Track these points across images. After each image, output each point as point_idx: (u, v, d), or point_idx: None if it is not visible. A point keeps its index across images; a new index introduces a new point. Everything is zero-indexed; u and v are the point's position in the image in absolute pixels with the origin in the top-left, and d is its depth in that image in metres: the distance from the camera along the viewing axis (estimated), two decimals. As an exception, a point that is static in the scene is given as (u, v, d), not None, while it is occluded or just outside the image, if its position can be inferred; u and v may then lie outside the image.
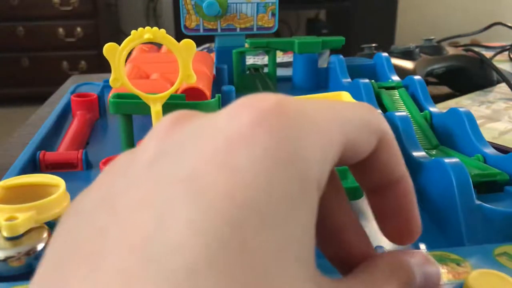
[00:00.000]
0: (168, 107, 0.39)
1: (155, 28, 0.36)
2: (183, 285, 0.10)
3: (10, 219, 0.26)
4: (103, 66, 2.22)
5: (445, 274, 0.24)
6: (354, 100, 0.38)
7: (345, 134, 0.14)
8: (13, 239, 0.26)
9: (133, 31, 0.35)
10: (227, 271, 0.10)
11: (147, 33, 0.35)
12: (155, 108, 0.38)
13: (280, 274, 0.11)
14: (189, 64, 0.36)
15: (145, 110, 0.39)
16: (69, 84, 0.71)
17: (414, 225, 0.18)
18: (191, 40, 0.36)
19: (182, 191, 0.12)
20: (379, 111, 0.44)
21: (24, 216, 0.26)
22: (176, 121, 0.15)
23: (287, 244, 0.12)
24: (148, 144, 0.14)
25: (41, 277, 0.13)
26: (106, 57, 0.35)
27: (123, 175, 0.14)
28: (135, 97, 0.38)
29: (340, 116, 0.15)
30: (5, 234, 0.26)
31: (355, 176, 0.18)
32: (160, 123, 0.15)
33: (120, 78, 0.36)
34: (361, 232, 0.17)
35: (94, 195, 0.14)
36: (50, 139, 0.46)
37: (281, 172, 0.12)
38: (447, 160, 0.30)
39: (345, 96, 0.38)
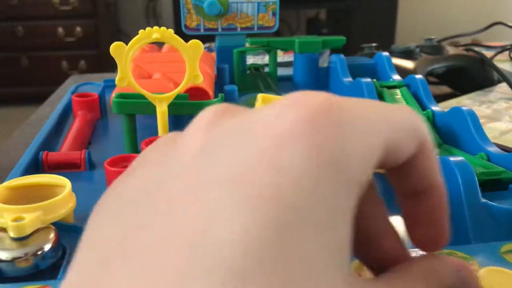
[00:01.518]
0: (172, 106, 0.39)
1: (163, 28, 0.35)
2: (234, 283, 0.10)
3: (17, 219, 0.26)
4: (103, 66, 2.22)
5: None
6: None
7: (388, 136, 0.14)
8: (20, 240, 0.26)
9: (141, 31, 0.35)
10: (272, 271, 0.10)
11: (155, 32, 0.35)
12: (161, 108, 0.38)
13: (322, 277, 0.11)
14: (196, 64, 0.36)
15: (149, 109, 0.39)
16: (69, 84, 0.70)
17: (443, 234, 0.17)
18: (198, 41, 0.36)
19: (230, 191, 0.12)
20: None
21: (31, 216, 0.26)
22: (221, 113, 0.14)
23: (331, 247, 0.12)
24: (192, 134, 0.14)
25: (83, 272, 0.12)
26: (113, 56, 0.35)
27: (165, 165, 0.14)
28: (139, 96, 0.38)
29: (386, 117, 0.14)
30: (12, 234, 0.26)
31: (390, 180, 0.17)
32: (204, 113, 0.15)
33: (127, 77, 0.36)
34: (396, 236, 0.17)
35: (135, 183, 0.14)
36: (51, 139, 0.46)
37: (329, 172, 0.12)
38: (452, 159, 0.30)
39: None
